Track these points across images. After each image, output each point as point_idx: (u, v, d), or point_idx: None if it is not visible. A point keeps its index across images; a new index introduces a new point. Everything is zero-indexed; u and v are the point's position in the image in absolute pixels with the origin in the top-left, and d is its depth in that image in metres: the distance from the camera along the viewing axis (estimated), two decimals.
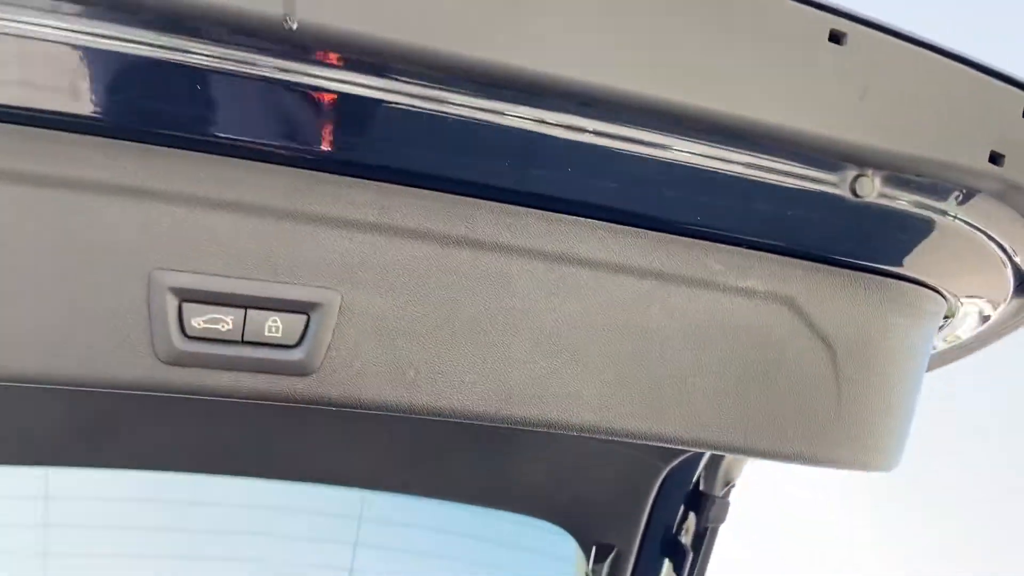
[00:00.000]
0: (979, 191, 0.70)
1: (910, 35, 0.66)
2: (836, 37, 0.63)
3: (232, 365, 0.62)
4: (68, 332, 0.60)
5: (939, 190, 0.70)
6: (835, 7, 0.64)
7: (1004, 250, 0.76)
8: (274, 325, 0.63)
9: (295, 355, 0.63)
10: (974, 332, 0.92)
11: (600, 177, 0.65)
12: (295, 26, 0.54)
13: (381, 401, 0.66)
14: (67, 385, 0.61)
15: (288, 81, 0.57)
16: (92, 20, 0.54)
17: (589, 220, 0.68)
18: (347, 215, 0.63)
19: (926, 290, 0.78)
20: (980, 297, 0.84)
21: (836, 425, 0.76)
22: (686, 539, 1.37)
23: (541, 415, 0.69)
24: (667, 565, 1.39)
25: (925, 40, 0.66)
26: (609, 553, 1.37)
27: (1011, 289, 0.82)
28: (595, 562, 1.37)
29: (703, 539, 1.36)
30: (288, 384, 0.64)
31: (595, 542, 1.38)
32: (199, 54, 0.55)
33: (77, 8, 0.53)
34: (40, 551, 1.35)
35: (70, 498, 1.37)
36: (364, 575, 1.52)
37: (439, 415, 0.67)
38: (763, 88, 0.63)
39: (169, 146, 0.59)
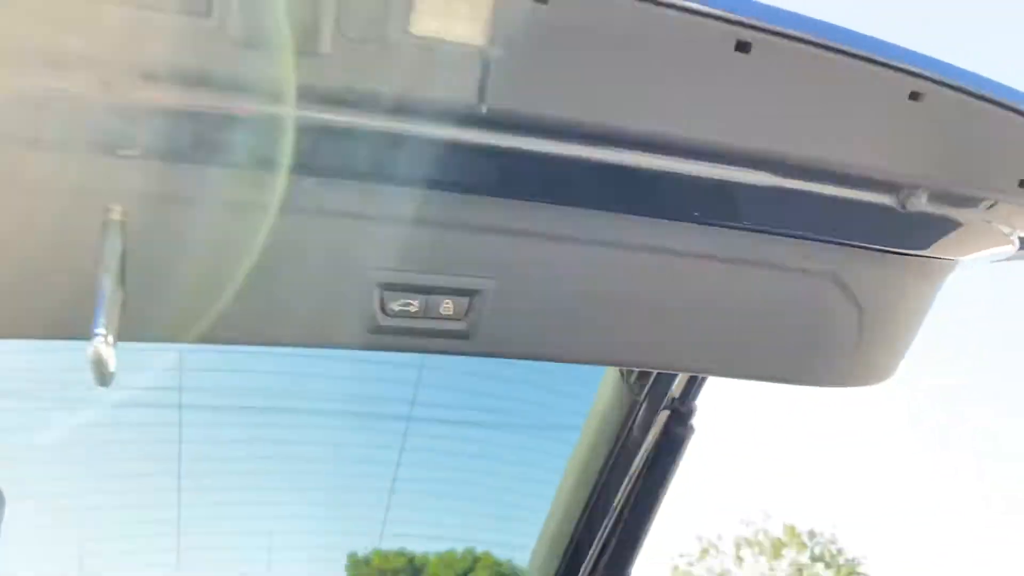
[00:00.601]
0: (1007, 203, 0.87)
1: (977, 91, 0.78)
2: (916, 95, 0.76)
3: (416, 333, 0.84)
4: (314, 312, 0.81)
5: (972, 202, 0.87)
6: (919, 71, 0.76)
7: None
8: (447, 305, 0.83)
9: (461, 325, 0.84)
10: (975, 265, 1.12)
11: (718, 202, 0.82)
12: (485, 110, 0.69)
13: (521, 354, 0.88)
14: (309, 347, 0.83)
15: (481, 145, 0.72)
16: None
17: (689, 224, 0.85)
18: (504, 225, 0.80)
19: (945, 260, 0.96)
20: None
21: (853, 362, 0.99)
22: None
23: (639, 360, 0.92)
24: None
25: (987, 94, 0.79)
26: None
27: (1016, 249, 1.01)
28: None
29: None
30: (455, 344, 0.86)
31: None
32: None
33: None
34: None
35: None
36: (433, 370, 1.84)
37: (562, 362, 0.90)
38: (853, 140, 0.77)
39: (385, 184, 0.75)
